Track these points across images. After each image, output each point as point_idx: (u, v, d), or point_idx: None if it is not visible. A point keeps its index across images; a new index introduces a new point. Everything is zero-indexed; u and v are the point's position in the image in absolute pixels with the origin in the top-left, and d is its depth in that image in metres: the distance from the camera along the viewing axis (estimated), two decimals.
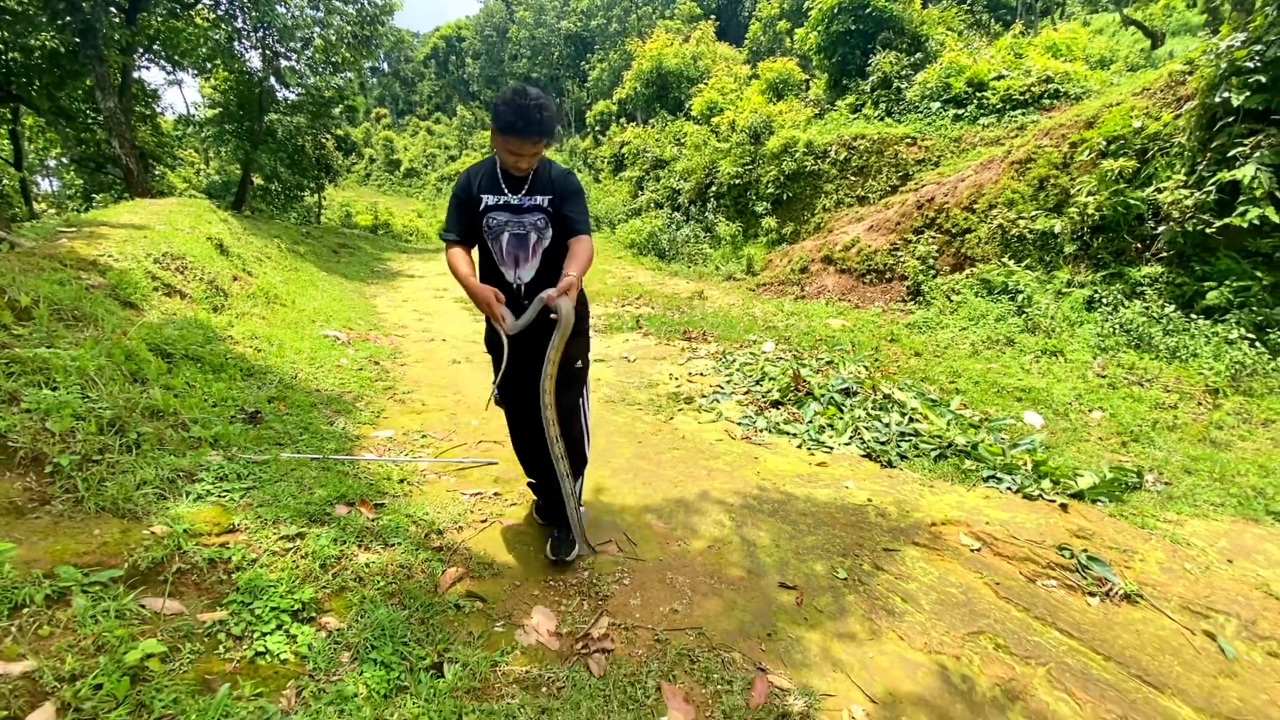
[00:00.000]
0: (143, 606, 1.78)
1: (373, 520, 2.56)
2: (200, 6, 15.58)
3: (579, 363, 2.44)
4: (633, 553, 2.69)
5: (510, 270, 2.25)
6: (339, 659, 1.83)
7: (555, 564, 2.52)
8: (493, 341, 2.39)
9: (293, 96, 18.41)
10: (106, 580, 1.80)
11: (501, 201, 2.19)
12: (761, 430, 4.42)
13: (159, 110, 18.81)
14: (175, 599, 1.86)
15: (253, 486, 2.53)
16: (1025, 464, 3.74)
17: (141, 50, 14.88)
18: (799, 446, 4.18)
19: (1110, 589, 2.64)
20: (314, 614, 1.98)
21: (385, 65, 53.58)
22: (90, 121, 15.34)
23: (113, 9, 13.08)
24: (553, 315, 2.04)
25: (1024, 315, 7.26)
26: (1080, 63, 11.22)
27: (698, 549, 2.75)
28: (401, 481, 3.08)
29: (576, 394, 2.51)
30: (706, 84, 20.53)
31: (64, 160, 20.41)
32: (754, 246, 13.00)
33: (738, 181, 14.01)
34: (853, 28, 13.91)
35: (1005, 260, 8.13)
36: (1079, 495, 3.46)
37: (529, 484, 2.81)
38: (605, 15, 35.71)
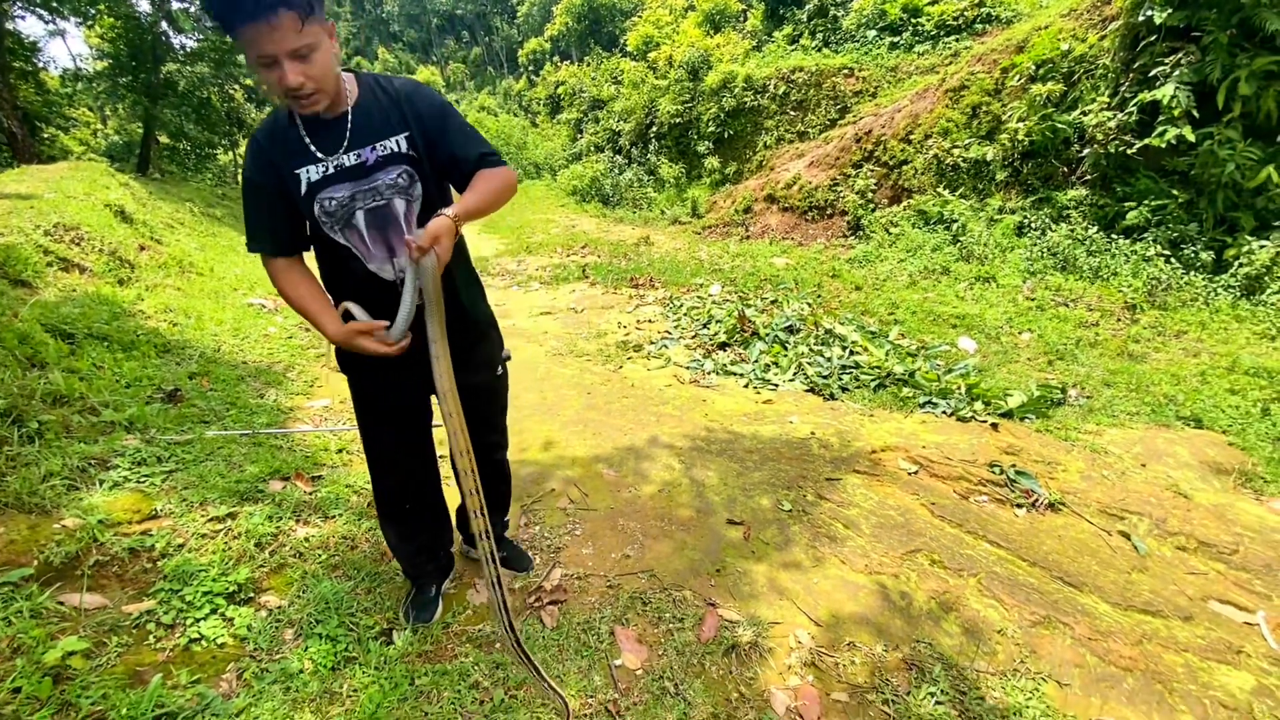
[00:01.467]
0: (60, 603, 1.68)
1: (310, 493, 2.47)
2: None
3: (500, 368, 1.83)
4: (584, 503, 2.70)
5: (386, 263, 1.48)
6: (282, 637, 1.79)
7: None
8: (354, 361, 1.60)
9: (191, 44, 16.78)
10: (17, 580, 1.69)
11: (331, 169, 1.38)
12: (710, 373, 4.45)
13: (40, 65, 16.85)
14: (96, 593, 1.76)
15: (176, 469, 2.40)
16: (959, 388, 3.90)
17: None
18: (745, 386, 4.23)
19: (1036, 500, 2.81)
20: (251, 594, 1.92)
21: None
22: None
23: None
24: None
25: (959, 244, 7.44)
26: None
27: (648, 494, 2.78)
28: (340, 451, 2.97)
29: (503, 407, 1.93)
30: (641, 17, 19.68)
31: None
32: (698, 188, 12.83)
33: (678, 120, 13.67)
34: None
35: (940, 190, 8.26)
36: (1009, 414, 3.64)
37: (415, 559, 1.97)
38: None
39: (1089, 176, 6.97)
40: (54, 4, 14.24)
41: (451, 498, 2.11)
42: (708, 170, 12.80)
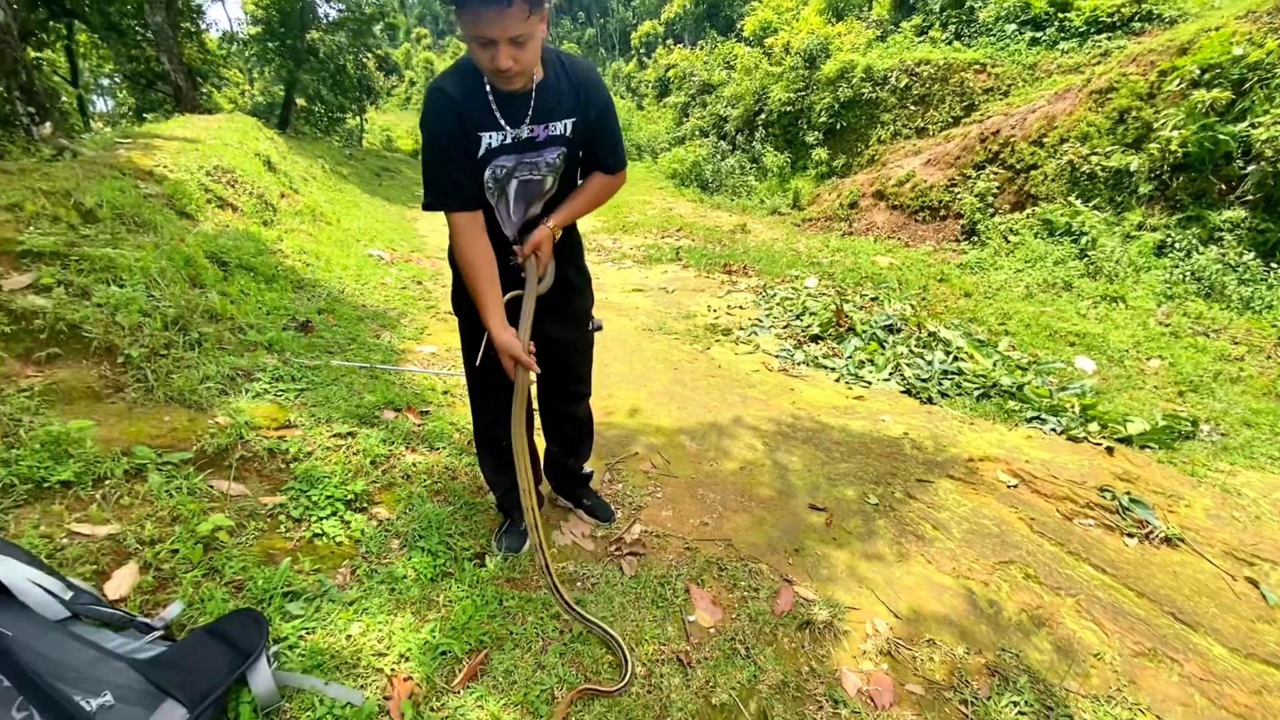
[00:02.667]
0: (211, 487, 1.91)
1: (418, 426, 2.66)
2: None
3: (590, 323, 1.93)
4: (666, 469, 2.75)
5: (513, 228, 1.64)
6: (389, 545, 1.96)
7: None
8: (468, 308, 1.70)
9: (334, 13, 18.08)
10: (178, 461, 1.93)
11: (508, 139, 1.46)
12: (799, 364, 4.38)
13: (204, 26, 18.69)
14: (239, 483, 1.99)
15: (306, 389, 2.65)
16: (1073, 407, 3.64)
17: None
18: (837, 380, 4.14)
19: (1150, 531, 2.59)
20: (365, 505, 2.10)
21: None
22: (140, 38, 15.38)
23: None
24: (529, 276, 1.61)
25: (1086, 259, 6.87)
26: None
27: (729, 469, 2.79)
28: (445, 393, 3.18)
29: (589, 362, 2.03)
30: (761, 2, 19.25)
31: (116, 79, 20.67)
32: (802, 179, 12.49)
33: (789, 109, 13.31)
34: None
35: (1072, 199, 7.64)
36: (1127, 440, 3.37)
37: (508, 491, 2.04)
38: None
39: (1251, 196, 6.23)
40: None
41: (541, 447, 2.24)
42: (814, 161, 12.42)
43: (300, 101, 19.05)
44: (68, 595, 1.24)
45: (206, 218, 4.51)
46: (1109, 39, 9.28)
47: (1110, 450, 3.14)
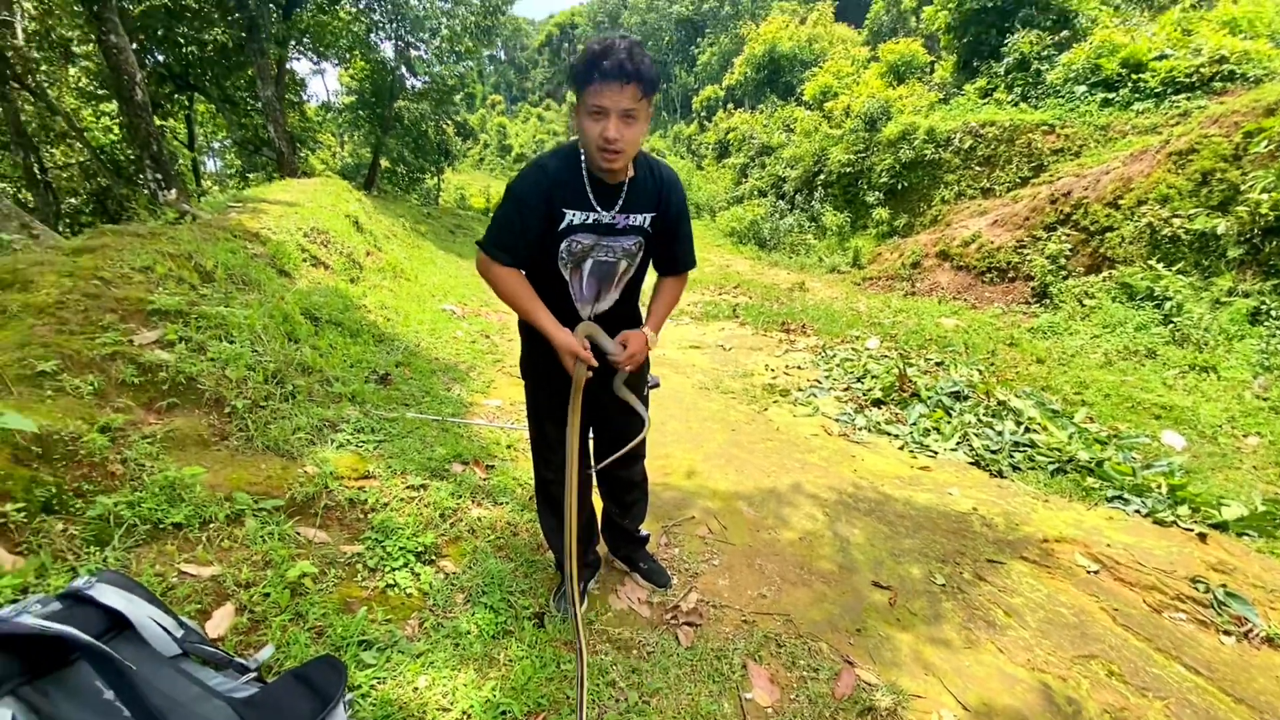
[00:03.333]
0: (298, 533, 2.06)
1: (484, 479, 2.78)
2: (344, 1, 16.97)
3: (644, 390, 2.09)
4: (723, 535, 2.74)
5: (587, 306, 1.77)
6: (454, 599, 2.04)
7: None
8: (535, 373, 1.93)
9: (419, 84, 19.68)
10: (270, 508, 2.09)
11: (590, 220, 1.61)
12: (860, 428, 4.30)
13: (305, 98, 20.72)
14: (323, 530, 2.13)
15: (384, 440, 2.82)
16: (1159, 487, 3.41)
17: (294, 43, 16.46)
18: (900, 448, 4.04)
19: (1250, 629, 2.38)
20: (434, 557, 2.20)
21: (502, 54, 55.96)
22: (250, 108, 17.19)
23: (272, 5, 14.53)
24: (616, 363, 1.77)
25: (1171, 325, 6.52)
26: (1264, 40, 9.74)
27: (788, 539, 2.76)
28: (509, 447, 3.30)
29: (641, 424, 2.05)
30: (821, 67, 19.76)
31: (226, 143, 23.07)
32: (862, 238, 12.47)
33: (849, 170, 13.45)
34: (988, 4, 12.85)
35: (1153, 263, 7.32)
36: (1222, 526, 3.12)
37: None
38: None
39: None
40: (322, 49, 17.54)
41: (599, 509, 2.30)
42: (875, 221, 12.41)
43: (384, 163, 20.62)
44: (179, 633, 1.36)
45: (302, 275, 4.93)
46: (1188, 99, 9.03)
47: (1203, 537, 2.92)
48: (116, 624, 1.27)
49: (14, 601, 1.31)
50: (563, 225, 1.61)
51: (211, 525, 1.90)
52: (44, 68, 14.48)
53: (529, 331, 1.82)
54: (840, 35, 24.39)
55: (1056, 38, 11.89)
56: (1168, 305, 6.73)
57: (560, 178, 1.59)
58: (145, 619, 1.30)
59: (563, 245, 1.64)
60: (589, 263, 1.69)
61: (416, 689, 1.65)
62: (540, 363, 1.83)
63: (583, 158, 1.58)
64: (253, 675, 1.41)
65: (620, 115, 1.45)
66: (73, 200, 15.38)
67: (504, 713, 1.64)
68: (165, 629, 1.34)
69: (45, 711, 1.11)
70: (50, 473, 1.73)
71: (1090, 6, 12.45)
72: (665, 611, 2.20)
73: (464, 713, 1.62)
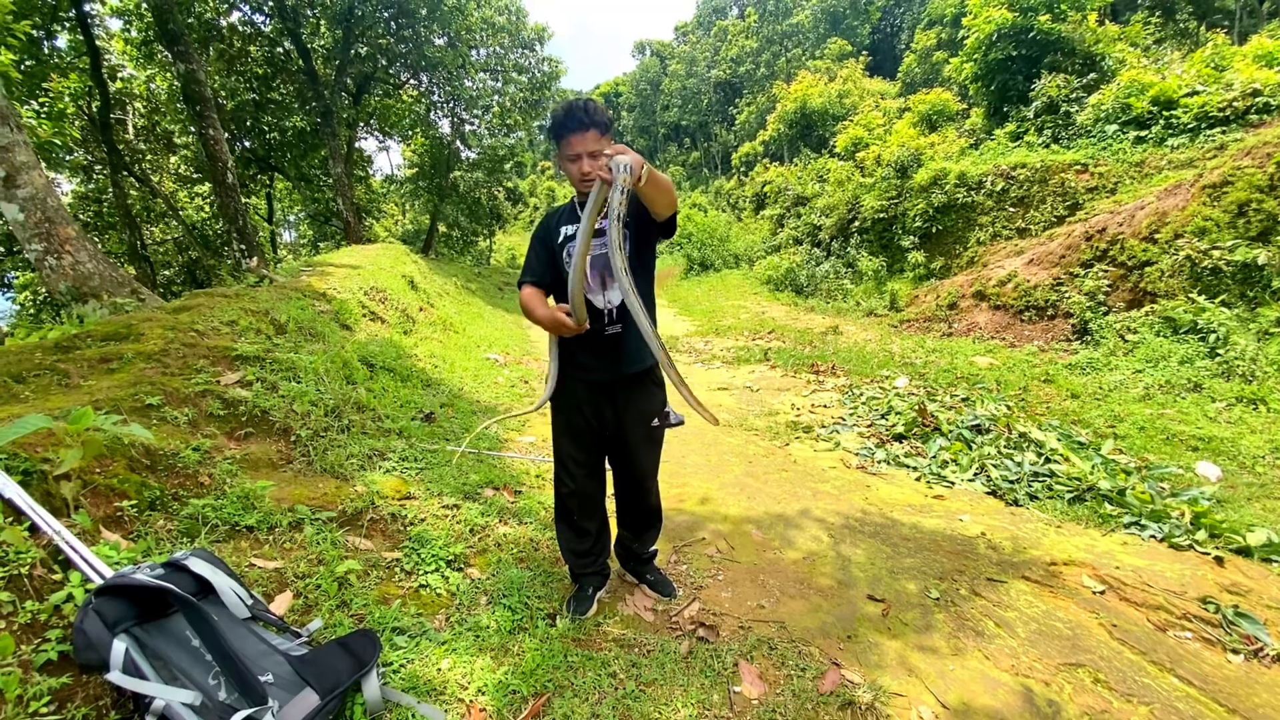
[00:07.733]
0: (347, 540, 2.39)
1: (511, 502, 3.07)
2: (407, 86, 18.72)
3: (655, 420, 2.28)
4: (729, 555, 2.93)
5: (599, 295, 2.11)
6: (478, 600, 2.31)
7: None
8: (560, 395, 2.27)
9: (473, 155, 21.22)
10: (325, 518, 2.44)
11: (575, 229, 1.98)
12: (880, 462, 4.40)
13: (371, 173, 22.60)
14: (368, 539, 2.46)
15: (425, 468, 3.17)
16: (1181, 513, 3.40)
17: (362, 125, 18.20)
18: (917, 479, 4.12)
19: (1260, 649, 2.38)
20: (462, 565, 2.49)
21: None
22: (322, 184, 18.93)
23: (344, 93, 16.21)
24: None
25: (1217, 358, 6.36)
26: None
27: (791, 558, 2.92)
28: (537, 477, 3.60)
29: (655, 458, 2.37)
30: (852, 121, 20.31)
31: (301, 215, 25.27)
32: (899, 281, 12.54)
33: (882, 215, 13.65)
34: (1014, 53, 13.14)
35: (1195, 295, 7.18)
36: (1245, 551, 3.09)
37: (578, 560, 2.43)
38: (754, 61, 36.74)
39: None
40: (387, 129, 19.29)
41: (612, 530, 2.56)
42: (910, 264, 12.49)
43: (441, 228, 22.10)
44: (250, 602, 1.68)
45: (361, 328, 5.48)
46: (1223, 133, 8.96)
47: (1220, 560, 2.91)
48: (204, 589, 1.61)
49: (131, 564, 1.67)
50: (560, 239, 2.11)
51: (276, 529, 2.26)
52: (149, 157, 16.48)
53: (556, 363, 2.24)
54: (871, 89, 25.04)
55: (1084, 80, 12.01)
56: (1213, 338, 6.57)
57: (557, 210, 2.18)
58: (226, 587, 1.64)
59: (563, 253, 2.10)
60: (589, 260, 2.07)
61: (440, 669, 1.91)
62: (560, 392, 2.25)
63: (575, 197, 2.11)
64: (305, 640, 1.72)
65: (588, 155, 1.91)
66: (166, 272, 17.15)
67: (514, 691, 1.88)
68: (240, 598, 1.67)
69: (150, 648, 1.44)
70: (155, 480, 2.14)
71: (1116, 49, 12.56)
72: (668, 618, 2.40)
73: (479, 689, 1.87)
